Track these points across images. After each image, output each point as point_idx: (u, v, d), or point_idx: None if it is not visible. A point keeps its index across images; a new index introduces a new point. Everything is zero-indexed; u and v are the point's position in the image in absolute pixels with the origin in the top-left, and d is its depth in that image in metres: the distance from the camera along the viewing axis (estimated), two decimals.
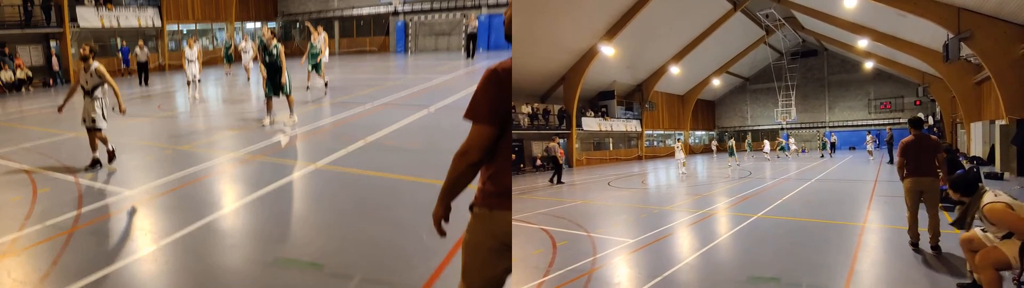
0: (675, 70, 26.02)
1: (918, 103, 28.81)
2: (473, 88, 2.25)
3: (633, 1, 19.52)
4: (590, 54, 21.32)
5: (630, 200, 11.20)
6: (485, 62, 17.63)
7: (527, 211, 9.19)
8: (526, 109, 21.52)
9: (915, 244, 5.75)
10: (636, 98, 28.10)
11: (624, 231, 7.37)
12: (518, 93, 21.59)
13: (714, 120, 37.12)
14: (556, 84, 23.04)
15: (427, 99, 11.61)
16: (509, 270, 2.37)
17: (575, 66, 21.97)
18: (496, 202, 2.28)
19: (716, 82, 31.28)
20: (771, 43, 30.86)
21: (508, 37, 2.46)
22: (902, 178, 5.81)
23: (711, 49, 26.60)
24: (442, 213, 2.39)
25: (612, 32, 20.36)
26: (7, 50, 17.87)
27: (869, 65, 27.52)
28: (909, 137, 5.82)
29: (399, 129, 9.08)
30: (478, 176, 2.34)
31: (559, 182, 14.71)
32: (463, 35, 19.99)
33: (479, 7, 21.83)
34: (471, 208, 2.35)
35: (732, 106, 36.63)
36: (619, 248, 6.20)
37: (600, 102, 26.69)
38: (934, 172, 5.67)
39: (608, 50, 20.64)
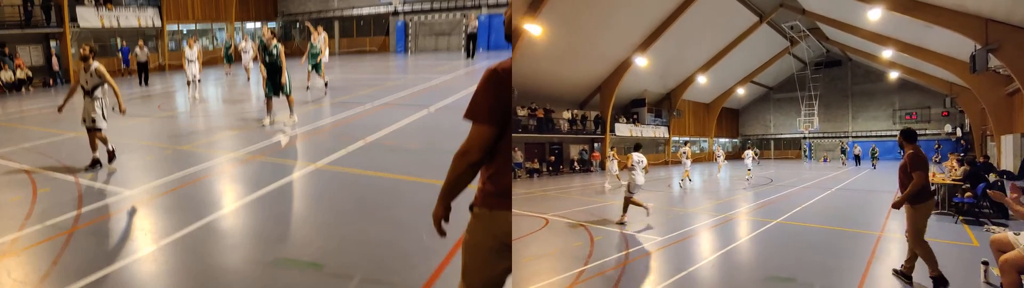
0: (702, 80, 27.09)
1: (946, 114, 28.68)
2: (473, 88, 2.25)
3: (665, 15, 20.67)
4: (624, 65, 22.63)
5: (656, 202, 11.47)
6: (485, 62, 17.63)
7: (565, 209, 9.96)
8: (566, 115, 23.38)
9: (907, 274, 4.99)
10: (665, 106, 29.23)
11: (652, 230, 7.98)
12: (559, 101, 23.12)
13: (738, 128, 37.78)
14: (593, 93, 24.67)
15: (427, 99, 11.60)
16: (509, 270, 2.37)
17: (611, 76, 23.57)
18: (496, 202, 2.28)
19: (741, 91, 32.12)
20: (795, 53, 31.38)
21: (508, 37, 2.46)
22: (919, 200, 4.70)
23: (737, 59, 27.60)
24: (442, 213, 2.39)
25: (646, 44, 21.53)
26: (7, 50, 17.84)
27: (894, 75, 27.63)
28: (917, 151, 4.70)
29: (399, 129, 9.07)
30: (478, 176, 2.34)
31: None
32: (463, 35, 20.00)
33: (479, 7, 21.84)
34: (471, 208, 2.35)
35: (755, 114, 37.21)
36: (648, 244, 6.87)
37: (632, 109, 27.95)
38: None
39: (641, 61, 21.84)
